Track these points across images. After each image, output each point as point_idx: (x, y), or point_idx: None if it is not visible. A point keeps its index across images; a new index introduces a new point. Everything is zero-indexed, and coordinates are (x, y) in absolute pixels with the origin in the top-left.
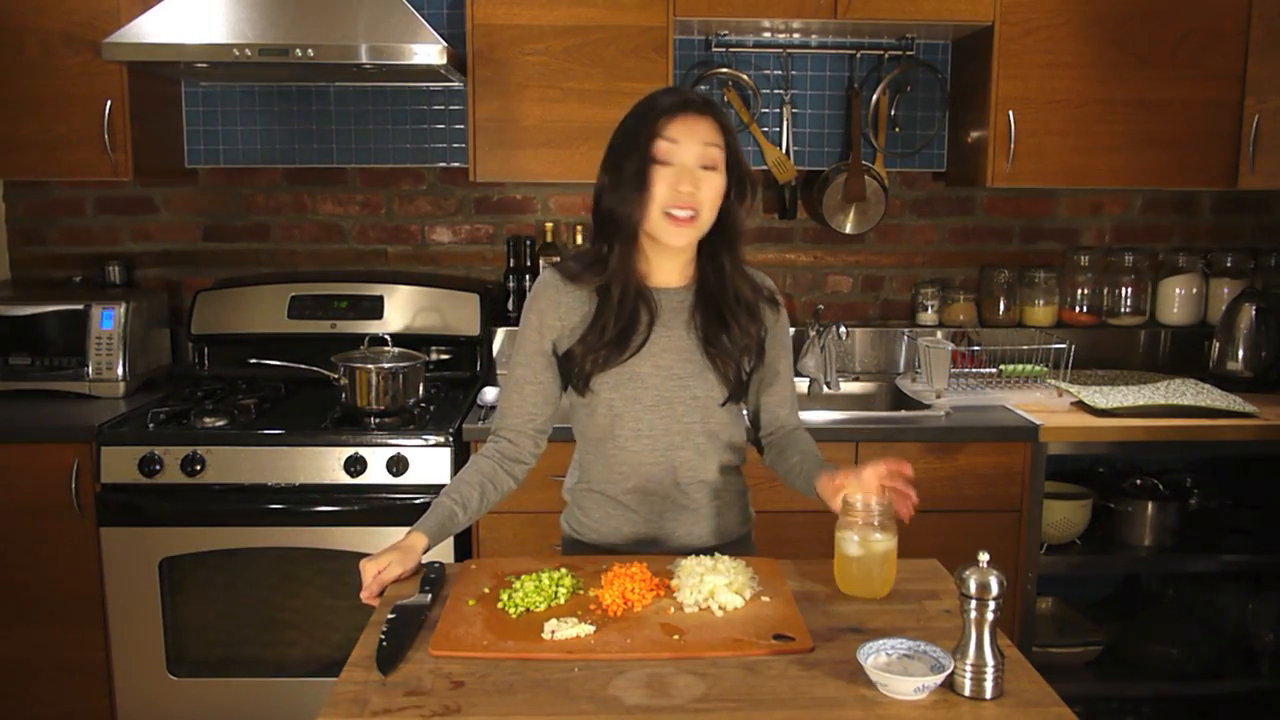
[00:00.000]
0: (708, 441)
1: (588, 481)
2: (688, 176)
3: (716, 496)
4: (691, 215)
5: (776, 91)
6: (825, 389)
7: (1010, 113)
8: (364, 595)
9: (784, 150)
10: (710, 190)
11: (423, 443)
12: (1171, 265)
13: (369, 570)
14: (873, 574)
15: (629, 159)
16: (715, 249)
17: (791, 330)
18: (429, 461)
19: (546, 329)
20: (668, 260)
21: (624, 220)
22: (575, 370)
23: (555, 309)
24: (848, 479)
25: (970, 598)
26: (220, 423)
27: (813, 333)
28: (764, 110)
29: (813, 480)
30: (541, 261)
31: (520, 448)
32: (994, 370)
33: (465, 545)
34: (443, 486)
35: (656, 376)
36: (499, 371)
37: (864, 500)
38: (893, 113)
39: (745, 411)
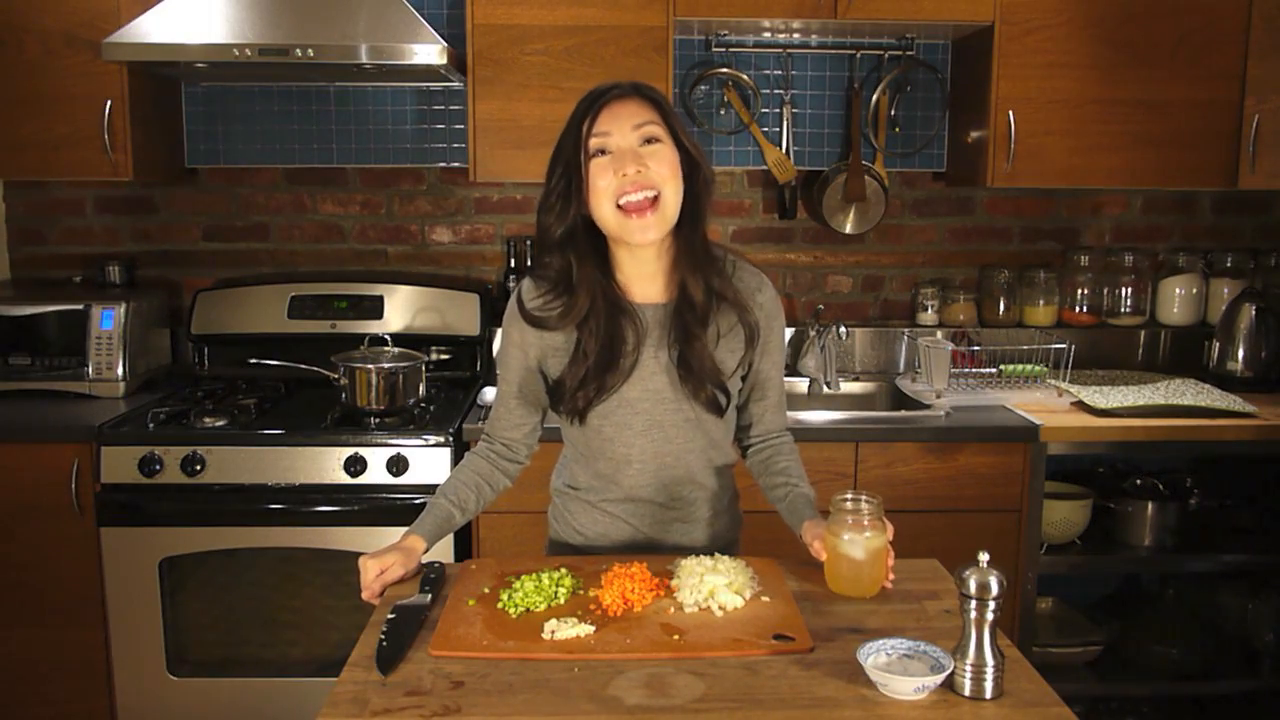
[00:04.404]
0: (701, 454)
1: (575, 489)
2: (631, 157)
3: (709, 505)
4: (650, 197)
5: (776, 91)
6: (825, 389)
7: (1010, 113)
8: (366, 594)
9: (784, 150)
10: (662, 163)
11: (423, 443)
12: (1171, 265)
13: (371, 568)
14: (862, 574)
15: (557, 166)
16: (690, 248)
17: (791, 331)
18: (429, 461)
19: (528, 346)
20: (644, 269)
21: (557, 234)
22: (566, 402)
23: (533, 332)
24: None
25: (970, 598)
26: (220, 423)
27: (813, 333)
28: (764, 110)
29: (800, 520)
30: None
31: (514, 450)
32: (994, 370)
33: (465, 545)
34: None
35: (646, 401)
36: (499, 372)
37: (854, 497)
38: (893, 113)
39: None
